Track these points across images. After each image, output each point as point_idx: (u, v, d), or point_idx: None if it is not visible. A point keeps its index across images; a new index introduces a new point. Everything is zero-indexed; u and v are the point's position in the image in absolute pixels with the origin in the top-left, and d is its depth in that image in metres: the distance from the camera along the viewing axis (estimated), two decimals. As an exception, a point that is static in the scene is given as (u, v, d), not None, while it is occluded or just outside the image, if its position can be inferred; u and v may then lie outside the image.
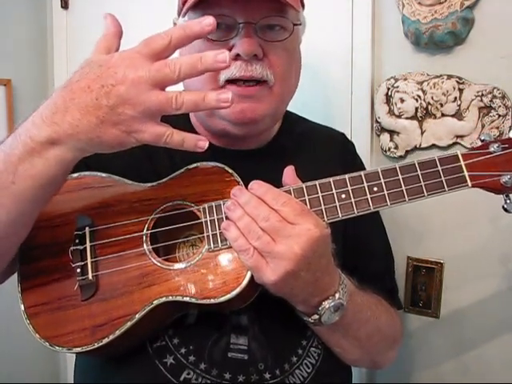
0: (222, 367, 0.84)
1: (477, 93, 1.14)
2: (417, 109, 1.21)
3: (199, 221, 0.81)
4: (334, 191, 0.78)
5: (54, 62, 1.80)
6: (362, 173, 0.79)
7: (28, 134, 0.69)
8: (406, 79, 1.22)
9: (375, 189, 0.78)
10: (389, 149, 1.27)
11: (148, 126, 0.67)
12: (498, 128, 1.13)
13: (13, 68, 1.70)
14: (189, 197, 0.83)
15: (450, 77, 1.17)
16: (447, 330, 1.25)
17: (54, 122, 0.68)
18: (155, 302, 0.78)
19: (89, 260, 0.81)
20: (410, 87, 1.21)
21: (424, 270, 1.26)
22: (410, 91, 1.21)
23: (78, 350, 0.78)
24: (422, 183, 0.77)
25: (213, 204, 0.81)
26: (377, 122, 1.29)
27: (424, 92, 1.20)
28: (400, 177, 0.78)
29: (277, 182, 0.79)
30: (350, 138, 1.19)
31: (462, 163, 0.78)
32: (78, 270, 0.80)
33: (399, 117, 1.24)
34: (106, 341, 0.77)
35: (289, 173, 0.81)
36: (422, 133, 1.22)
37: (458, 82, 1.16)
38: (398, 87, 1.23)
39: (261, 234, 0.74)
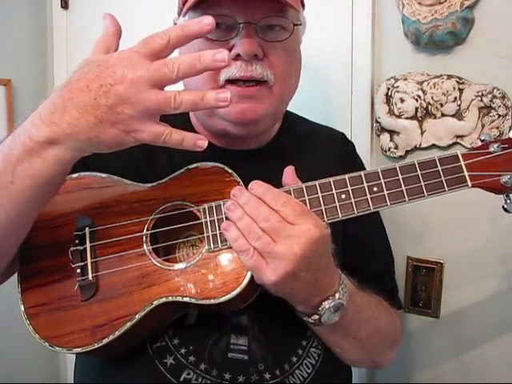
0: (222, 367, 0.84)
1: (477, 93, 1.14)
2: (417, 109, 1.21)
3: (199, 221, 0.81)
4: (333, 191, 0.78)
5: (54, 61, 1.80)
6: (361, 173, 0.79)
7: (27, 133, 0.69)
8: (405, 79, 1.22)
9: (375, 189, 0.78)
10: (389, 149, 1.27)
11: (147, 125, 0.67)
12: (497, 128, 1.13)
13: (13, 68, 1.70)
14: (189, 197, 0.83)
15: (449, 77, 1.17)
16: (447, 330, 1.25)
17: (53, 121, 0.68)
18: (155, 303, 0.78)
19: (89, 260, 0.81)
20: (410, 87, 1.21)
21: (424, 270, 1.26)
22: (410, 91, 1.21)
23: (78, 350, 0.78)
24: (422, 183, 0.77)
25: (213, 204, 0.81)
26: (377, 122, 1.29)
27: (424, 92, 1.20)
28: (400, 177, 0.78)
29: (277, 182, 0.79)
30: (350, 138, 1.19)
31: (462, 163, 0.78)
32: (78, 271, 0.80)
33: (399, 117, 1.24)
34: (105, 341, 0.77)
35: (289, 173, 0.81)
36: (422, 133, 1.22)
37: (458, 81, 1.16)
38: (397, 87, 1.23)
39: (261, 234, 0.74)
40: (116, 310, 0.79)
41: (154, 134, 0.68)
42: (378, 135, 1.30)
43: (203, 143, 0.69)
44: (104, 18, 0.73)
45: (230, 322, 0.86)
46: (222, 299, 0.76)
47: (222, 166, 0.84)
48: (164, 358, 0.84)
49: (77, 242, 0.82)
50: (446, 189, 0.77)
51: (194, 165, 0.85)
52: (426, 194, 0.77)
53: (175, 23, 0.97)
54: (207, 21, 0.67)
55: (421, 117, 1.21)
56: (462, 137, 1.17)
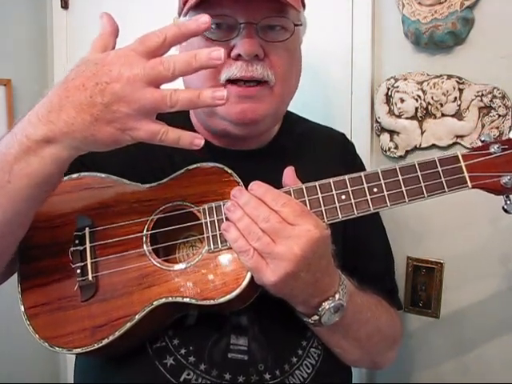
0: (222, 368, 0.84)
1: (477, 93, 1.14)
2: (417, 109, 1.21)
3: (199, 222, 0.81)
4: (333, 192, 0.78)
5: (54, 61, 1.80)
6: (361, 174, 0.79)
7: (24, 132, 0.69)
8: (405, 79, 1.22)
9: (375, 190, 0.78)
10: (389, 149, 1.27)
11: (143, 123, 0.67)
12: (498, 128, 1.13)
13: (13, 68, 1.70)
14: (189, 197, 0.83)
15: (449, 77, 1.17)
16: (447, 330, 1.25)
17: (50, 120, 0.68)
18: (155, 303, 0.78)
19: (89, 261, 0.81)
20: (410, 87, 1.21)
21: (424, 270, 1.26)
22: (410, 91, 1.21)
23: (78, 350, 0.78)
24: (422, 184, 0.77)
25: (213, 205, 0.81)
26: (377, 122, 1.29)
27: (424, 92, 1.20)
28: (400, 178, 0.78)
29: (277, 183, 0.79)
30: (350, 138, 1.19)
31: (462, 164, 0.78)
32: (78, 271, 0.80)
33: (399, 117, 1.24)
34: (105, 341, 0.77)
35: (289, 173, 0.81)
36: (422, 133, 1.22)
37: (458, 81, 1.16)
38: (397, 87, 1.23)
39: (261, 234, 0.74)
40: (116, 311, 0.79)
41: (151, 132, 0.68)
42: (378, 135, 1.30)
43: (200, 142, 0.69)
44: (101, 17, 0.73)
45: (230, 322, 0.86)
46: (222, 300, 0.76)
47: (221, 166, 0.84)
48: (164, 358, 0.84)
49: (77, 242, 0.82)
50: (446, 190, 0.77)
51: (194, 165, 0.85)
52: (426, 194, 0.77)
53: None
54: (204, 19, 0.67)
55: (421, 117, 1.21)
56: (462, 137, 1.17)
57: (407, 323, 1.29)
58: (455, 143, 1.18)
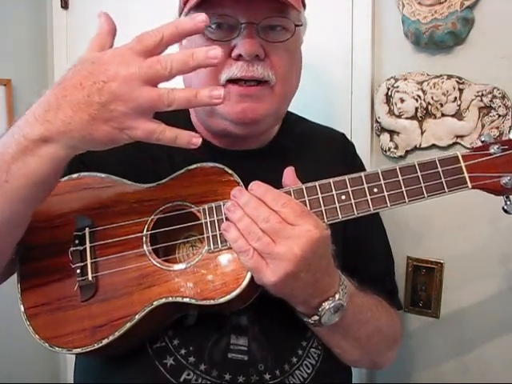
0: (222, 368, 0.84)
1: (477, 93, 1.14)
2: (417, 109, 1.21)
3: (199, 222, 0.81)
4: (333, 192, 0.78)
5: (54, 62, 1.80)
6: (362, 174, 0.79)
7: (21, 132, 0.69)
8: (405, 79, 1.22)
9: (375, 190, 0.78)
10: (389, 149, 1.27)
11: (140, 122, 0.67)
12: (498, 128, 1.13)
13: (13, 68, 1.70)
14: (189, 197, 0.83)
15: (450, 77, 1.17)
16: (447, 330, 1.25)
17: (47, 119, 0.67)
18: (155, 303, 0.78)
19: (88, 261, 0.81)
20: (410, 87, 1.21)
21: (424, 270, 1.26)
22: (410, 91, 1.21)
23: (78, 350, 0.78)
24: (422, 184, 0.77)
25: (213, 205, 0.81)
26: (377, 122, 1.29)
27: (424, 92, 1.20)
28: (400, 178, 0.78)
29: (277, 183, 0.79)
30: (350, 138, 1.19)
31: (462, 164, 0.78)
32: (78, 271, 0.80)
33: (399, 117, 1.24)
34: (105, 342, 0.77)
35: (289, 173, 0.81)
36: (422, 133, 1.22)
37: (458, 81, 1.16)
38: (398, 87, 1.23)
39: (261, 235, 0.74)
40: (116, 311, 0.79)
41: (148, 131, 0.68)
42: (378, 135, 1.30)
43: (197, 141, 0.69)
44: (99, 16, 0.73)
45: (230, 322, 0.86)
46: (222, 300, 0.76)
47: (221, 166, 0.84)
48: (164, 358, 0.84)
49: (77, 242, 0.82)
50: (446, 190, 0.77)
51: (194, 165, 0.85)
52: (426, 195, 0.77)
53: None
54: (200, 18, 0.67)
55: (421, 117, 1.21)
56: (462, 137, 1.17)
57: (407, 323, 1.29)
58: (455, 143, 1.18)
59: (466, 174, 0.77)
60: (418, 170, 0.78)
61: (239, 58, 0.85)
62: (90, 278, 0.80)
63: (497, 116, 1.13)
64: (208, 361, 0.84)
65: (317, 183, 0.79)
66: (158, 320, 0.82)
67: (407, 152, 1.25)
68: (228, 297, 0.76)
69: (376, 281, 0.97)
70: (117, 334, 0.77)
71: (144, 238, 0.82)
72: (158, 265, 0.80)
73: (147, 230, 0.82)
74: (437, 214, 1.21)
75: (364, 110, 1.31)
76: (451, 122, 1.18)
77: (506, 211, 0.79)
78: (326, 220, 0.78)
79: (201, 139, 0.69)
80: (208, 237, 0.80)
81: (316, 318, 0.81)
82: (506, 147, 0.78)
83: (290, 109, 1.01)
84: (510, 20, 1.11)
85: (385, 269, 1.06)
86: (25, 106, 0.72)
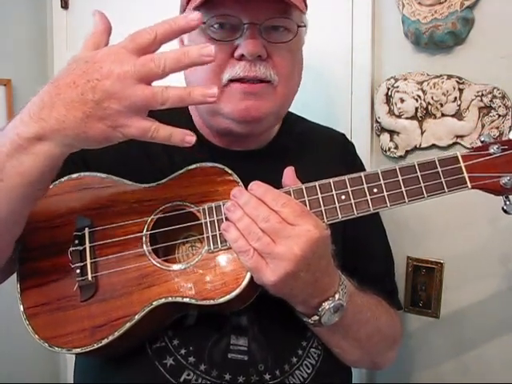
0: (221, 368, 0.84)
1: (477, 93, 1.14)
2: (417, 109, 1.21)
3: (199, 222, 0.81)
4: (333, 192, 0.78)
5: (54, 62, 1.80)
6: (361, 174, 0.79)
7: (15, 131, 0.69)
8: (405, 79, 1.22)
9: (375, 190, 0.78)
10: (389, 149, 1.27)
11: (134, 120, 0.67)
12: (497, 128, 1.13)
13: (13, 68, 1.70)
14: (188, 197, 0.83)
15: (450, 77, 1.17)
16: (447, 330, 1.25)
17: (41, 118, 0.67)
18: (155, 303, 0.78)
19: (88, 261, 0.81)
20: (410, 87, 1.21)
21: (424, 270, 1.26)
22: (410, 91, 1.21)
23: (78, 350, 0.78)
24: (422, 184, 0.77)
25: (212, 205, 0.81)
26: (377, 122, 1.29)
27: (424, 92, 1.19)
28: (400, 178, 0.78)
29: (277, 183, 0.79)
30: (350, 138, 1.19)
31: (462, 164, 0.78)
32: (78, 271, 0.80)
33: (399, 117, 1.24)
34: (105, 342, 0.77)
35: (288, 174, 0.81)
36: (422, 133, 1.22)
37: (458, 81, 1.16)
38: (398, 87, 1.23)
39: (261, 235, 0.74)
40: (115, 311, 0.79)
41: (142, 129, 0.68)
42: (378, 135, 1.29)
43: (191, 139, 0.69)
44: (93, 15, 0.73)
45: (230, 322, 0.86)
46: (222, 300, 0.76)
47: (221, 166, 0.84)
48: (164, 358, 0.84)
49: (76, 242, 0.82)
50: (446, 190, 0.77)
51: (194, 165, 0.85)
52: (425, 195, 0.77)
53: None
54: (194, 16, 0.67)
55: (421, 117, 1.21)
56: (462, 137, 1.17)
57: (407, 323, 1.29)
58: (455, 143, 1.18)
59: (465, 174, 0.77)
60: (418, 170, 0.78)
61: (242, 58, 0.85)
62: (90, 278, 0.80)
63: (497, 116, 1.13)
64: (208, 361, 0.84)
65: (317, 183, 0.79)
66: (157, 320, 0.82)
67: (407, 152, 1.25)
68: (228, 297, 0.76)
69: (376, 281, 0.97)
70: (116, 334, 0.77)
71: (144, 238, 0.82)
72: (158, 265, 0.80)
73: (147, 230, 0.82)
74: (437, 213, 1.21)
75: (364, 110, 1.31)
76: (451, 122, 1.18)
77: (505, 211, 0.79)
78: (325, 220, 0.78)
79: (195, 137, 0.70)
80: (208, 237, 0.80)
81: (316, 317, 0.81)
82: (506, 147, 0.78)
83: (290, 109, 1.01)
84: (509, 20, 1.11)
85: (385, 269, 1.06)
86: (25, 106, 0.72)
